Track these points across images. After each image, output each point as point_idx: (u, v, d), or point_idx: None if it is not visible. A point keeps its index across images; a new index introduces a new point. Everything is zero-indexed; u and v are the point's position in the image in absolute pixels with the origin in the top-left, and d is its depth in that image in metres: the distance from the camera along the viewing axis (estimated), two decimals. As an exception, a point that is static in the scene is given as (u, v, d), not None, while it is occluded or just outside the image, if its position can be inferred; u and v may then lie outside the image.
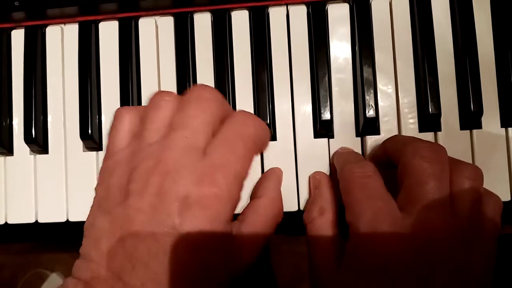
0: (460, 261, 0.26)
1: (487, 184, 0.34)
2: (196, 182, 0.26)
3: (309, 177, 0.35)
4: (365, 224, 0.26)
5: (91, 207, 0.30)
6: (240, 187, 0.29)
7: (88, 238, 0.29)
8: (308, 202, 0.34)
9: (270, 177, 0.34)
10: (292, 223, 0.36)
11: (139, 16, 0.38)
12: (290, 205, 0.35)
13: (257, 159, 0.36)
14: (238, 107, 0.36)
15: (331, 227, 0.31)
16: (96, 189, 0.31)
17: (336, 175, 0.32)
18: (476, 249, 0.26)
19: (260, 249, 0.30)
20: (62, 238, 0.39)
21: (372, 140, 0.35)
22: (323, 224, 0.31)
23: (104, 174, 0.30)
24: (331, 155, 0.35)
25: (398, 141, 0.30)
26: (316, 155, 0.35)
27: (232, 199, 0.28)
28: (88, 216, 0.30)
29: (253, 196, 0.33)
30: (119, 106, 0.36)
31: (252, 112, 0.36)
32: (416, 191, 0.26)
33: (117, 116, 0.32)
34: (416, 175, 0.27)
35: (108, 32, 0.38)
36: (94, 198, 0.30)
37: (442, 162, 0.27)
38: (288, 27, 0.36)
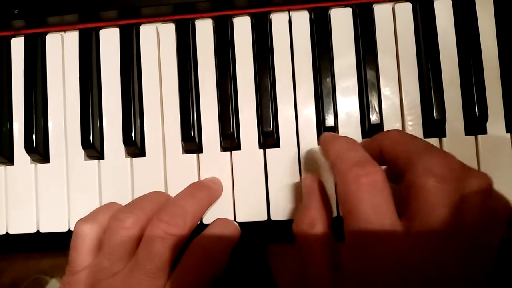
0: (458, 279, 0.24)
1: (493, 190, 0.34)
2: None
3: (301, 180, 0.32)
4: (367, 245, 0.24)
5: None
6: None
7: None
8: (299, 209, 0.31)
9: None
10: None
11: (140, 23, 0.37)
12: (294, 213, 0.35)
13: (260, 169, 0.35)
14: (240, 114, 0.36)
15: (323, 240, 0.28)
16: None
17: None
18: (476, 263, 0.24)
19: None
20: (63, 246, 0.38)
21: (376, 147, 0.35)
22: (314, 238, 0.28)
23: None
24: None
25: (401, 147, 0.27)
26: (321, 162, 0.35)
27: None
28: None
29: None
30: (121, 115, 0.36)
31: (255, 119, 0.35)
32: (425, 215, 0.24)
33: (77, 233, 0.31)
34: (427, 198, 0.24)
35: (109, 39, 0.37)
36: None
37: (453, 179, 0.24)
38: (291, 33, 0.36)
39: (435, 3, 0.35)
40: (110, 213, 0.32)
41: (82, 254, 0.31)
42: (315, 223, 0.28)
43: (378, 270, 0.24)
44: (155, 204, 0.32)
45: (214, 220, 0.34)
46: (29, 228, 0.37)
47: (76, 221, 0.33)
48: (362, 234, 0.24)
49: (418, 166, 0.24)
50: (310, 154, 0.35)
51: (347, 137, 0.30)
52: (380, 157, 0.28)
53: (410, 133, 0.34)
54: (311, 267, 0.28)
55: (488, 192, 0.25)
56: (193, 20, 0.37)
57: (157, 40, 0.37)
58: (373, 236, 0.24)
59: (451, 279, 0.23)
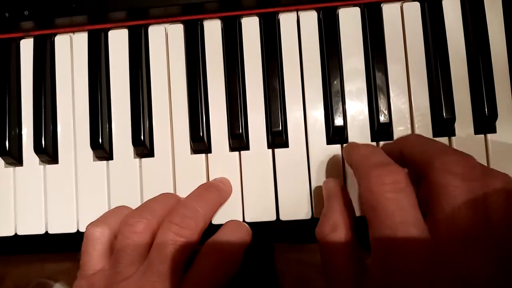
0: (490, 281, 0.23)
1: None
2: None
3: (323, 184, 0.34)
4: (392, 245, 0.24)
5: None
6: None
7: None
8: (321, 214, 0.31)
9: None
10: (306, 232, 0.35)
11: (149, 24, 0.38)
12: (303, 213, 0.35)
13: (269, 169, 0.35)
14: (250, 114, 0.36)
15: (346, 245, 0.28)
16: None
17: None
18: (508, 264, 0.23)
19: None
20: (69, 248, 0.38)
21: (386, 146, 0.35)
22: (336, 241, 0.28)
23: None
24: (345, 163, 0.35)
25: (420, 149, 0.27)
26: (329, 162, 0.35)
27: None
28: None
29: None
30: (129, 115, 0.36)
31: (264, 119, 0.36)
32: (450, 214, 0.24)
33: (88, 237, 0.31)
34: (449, 197, 0.24)
35: (118, 40, 0.38)
36: None
37: (475, 178, 0.24)
38: (299, 33, 0.36)
39: (443, 2, 0.35)
40: (120, 216, 0.32)
41: (94, 258, 0.31)
42: (337, 226, 0.28)
43: (405, 273, 0.23)
44: (165, 206, 0.32)
45: (226, 222, 0.34)
46: (37, 229, 0.37)
47: (84, 222, 0.33)
48: (386, 234, 0.24)
49: (437, 165, 0.24)
50: (319, 153, 0.35)
51: (369, 144, 0.30)
52: (401, 160, 0.28)
53: (419, 132, 0.35)
54: (334, 273, 0.27)
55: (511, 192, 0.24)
56: (201, 20, 0.37)
57: (166, 40, 0.37)
58: (397, 234, 0.23)
59: (484, 281, 0.23)
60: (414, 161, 0.27)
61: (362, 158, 0.28)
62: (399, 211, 0.24)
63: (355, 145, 0.31)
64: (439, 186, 0.24)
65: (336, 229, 0.28)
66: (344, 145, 0.34)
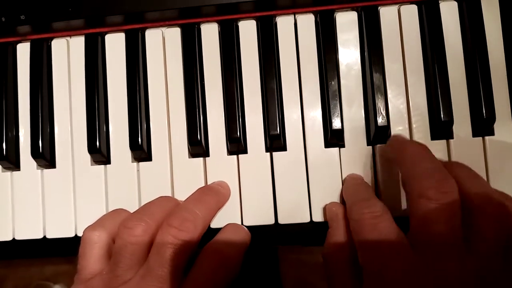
0: None
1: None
2: None
3: (324, 207, 0.35)
4: (377, 271, 0.27)
5: None
6: None
7: None
8: (328, 234, 0.34)
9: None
10: (305, 235, 0.35)
11: (146, 28, 0.37)
12: (302, 217, 0.35)
13: (267, 172, 0.35)
14: (247, 118, 0.36)
15: (349, 264, 0.31)
16: None
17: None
18: (503, 281, 0.26)
19: None
20: (68, 253, 0.38)
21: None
22: (340, 261, 0.31)
23: None
24: (342, 166, 0.35)
25: (409, 169, 0.29)
26: (327, 165, 0.35)
27: None
28: None
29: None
30: (127, 119, 0.36)
31: (262, 123, 0.35)
32: (424, 233, 0.27)
33: (85, 241, 0.31)
34: (423, 218, 0.27)
35: (115, 44, 0.37)
36: None
37: (450, 201, 0.26)
38: (296, 36, 0.36)
39: (440, 5, 0.35)
40: (118, 220, 0.32)
41: (92, 262, 0.31)
42: (341, 247, 0.32)
43: (389, 280, 0.26)
44: (164, 209, 0.32)
45: (225, 226, 0.34)
46: (35, 233, 0.37)
47: (82, 227, 0.33)
48: (368, 252, 0.28)
49: (414, 186, 0.28)
50: (317, 157, 0.35)
51: (358, 184, 0.34)
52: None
53: (417, 134, 0.35)
54: (335, 283, 0.31)
55: (505, 217, 0.26)
56: (198, 24, 0.37)
57: (163, 44, 0.37)
58: (375, 251, 0.27)
59: None
60: (404, 180, 0.31)
61: (349, 197, 0.33)
62: (375, 233, 0.28)
63: (347, 186, 0.34)
64: (415, 207, 0.27)
65: (340, 249, 0.32)
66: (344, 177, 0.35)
